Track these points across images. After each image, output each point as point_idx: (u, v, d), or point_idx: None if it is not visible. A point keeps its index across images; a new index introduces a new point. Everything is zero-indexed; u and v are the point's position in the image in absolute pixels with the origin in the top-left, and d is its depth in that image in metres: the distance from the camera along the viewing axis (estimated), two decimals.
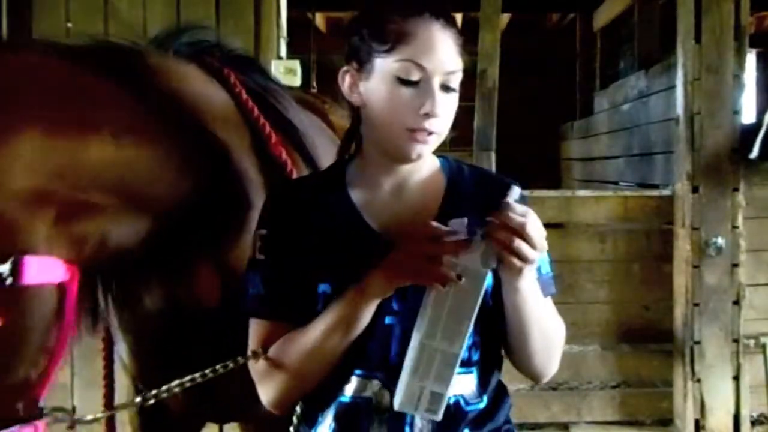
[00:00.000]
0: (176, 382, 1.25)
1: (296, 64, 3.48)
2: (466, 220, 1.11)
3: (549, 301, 1.25)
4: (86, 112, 1.24)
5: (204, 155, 1.42)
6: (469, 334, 1.11)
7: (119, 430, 1.90)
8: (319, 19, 8.02)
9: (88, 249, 1.23)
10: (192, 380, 1.25)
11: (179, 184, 1.36)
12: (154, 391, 1.26)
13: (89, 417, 1.23)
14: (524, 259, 1.07)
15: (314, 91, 4.58)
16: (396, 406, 1.13)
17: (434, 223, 1.10)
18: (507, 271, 1.11)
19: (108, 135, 1.25)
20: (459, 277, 1.08)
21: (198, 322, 1.50)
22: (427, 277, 1.08)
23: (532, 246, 1.07)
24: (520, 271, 1.09)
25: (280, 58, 3.58)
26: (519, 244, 1.06)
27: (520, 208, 1.08)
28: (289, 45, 4.02)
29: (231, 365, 1.24)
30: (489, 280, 1.19)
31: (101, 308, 1.36)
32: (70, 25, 3.16)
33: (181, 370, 1.59)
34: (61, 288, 1.17)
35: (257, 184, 1.50)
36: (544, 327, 1.21)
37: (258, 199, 1.46)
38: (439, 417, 1.13)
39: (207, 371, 1.25)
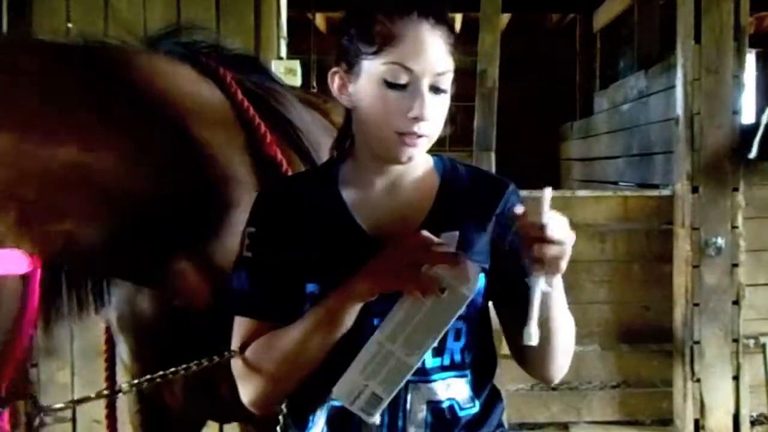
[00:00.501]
0: (147, 376, 1.24)
1: (296, 64, 3.48)
2: (457, 233, 1.09)
3: None
4: (55, 114, 1.23)
5: (184, 155, 1.41)
6: (428, 351, 1.09)
7: (120, 430, 1.90)
8: (319, 19, 8.02)
9: (53, 245, 1.23)
10: (169, 374, 1.23)
11: (154, 183, 1.36)
12: (124, 384, 1.24)
13: (57, 405, 1.21)
14: (559, 259, 1.04)
15: (314, 90, 4.58)
16: (334, 393, 1.12)
17: (424, 232, 1.09)
18: (543, 270, 1.06)
19: (76, 137, 1.24)
20: (442, 291, 1.05)
21: (194, 323, 1.50)
22: (410, 284, 1.06)
23: (560, 246, 1.03)
24: (555, 267, 1.05)
25: (280, 58, 3.58)
26: (546, 249, 1.03)
27: (535, 217, 1.04)
28: (289, 45, 4.02)
29: (209, 361, 1.22)
30: (481, 281, 1.18)
31: (67, 300, 1.35)
32: (70, 25, 3.16)
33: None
34: (25, 279, 1.17)
35: (247, 185, 1.49)
36: (565, 327, 1.18)
37: (247, 199, 1.45)
38: (372, 419, 1.12)
39: (191, 365, 1.24)
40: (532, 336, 1.06)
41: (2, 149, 1.14)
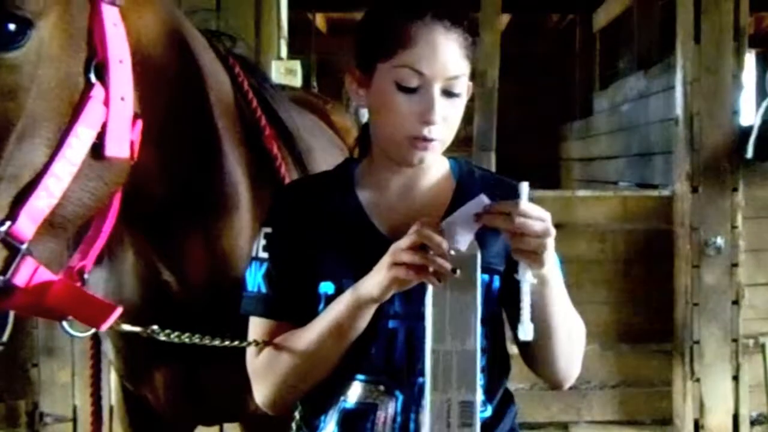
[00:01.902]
0: (186, 334, 1.19)
1: (296, 65, 3.49)
2: (482, 197, 1.05)
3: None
4: None
5: (201, 132, 1.39)
6: (479, 327, 1.06)
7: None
8: (320, 20, 8.02)
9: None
10: (190, 337, 1.20)
11: (178, 146, 1.34)
12: (156, 327, 1.19)
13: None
14: (537, 253, 1.04)
15: (315, 91, 4.58)
16: (427, 430, 1.07)
17: (424, 219, 1.07)
18: (526, 262, 1.07)
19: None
20: (453, 271, 1.03)
21: (173, 319, 1.49)
22: (418, 272, 1.04)
23: (536, 239, 1.04)
24: (536, 261, 1.05)
25: (280, 58, 3.58)
26: (523, 242, 1.03)
27: (507, 206, 1.05)
28: (289, 45, 4.02)
29: (233, 343, 1.20)
30: (496, 282, 1.18)
31: None
32: None
33: (163, 367, 1.57)
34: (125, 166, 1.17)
35: (241, 174, 1.47)
36: (569, 326, 1.18)
37: (240, 189, 1.46)
38: (477, 430, 1.07)
39: (217, 339, 1.20)
40: (527, 331, 1.05)
41: None
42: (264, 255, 1.21)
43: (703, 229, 3.63)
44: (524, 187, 1.05)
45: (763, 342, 3.73)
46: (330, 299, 1.16)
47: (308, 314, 1.17)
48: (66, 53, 1.05)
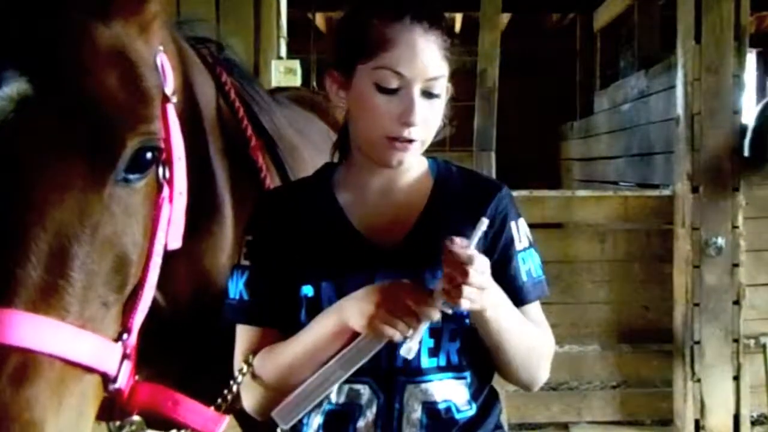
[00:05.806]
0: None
1: (296, 64, 3.49)
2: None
3: (536, 305, 1.24)
4: None
5: (192, 149, 1.36)
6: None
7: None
8: (319, 19, 8.02)
9: None
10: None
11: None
12: None
13: None
14: (472, 301, 1.05)
15: (315, 89, 4.58)
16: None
17: (414, 284, 1.08)
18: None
19: None
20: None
21: (169, 325, 1.47)
22: (394, 332, 1.05)
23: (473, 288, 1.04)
24: (477, 309, 1.08)
25: (280, 58, 3.58)
26: (463, 290, 1.03)
27: (463, 254, 1.04)
28: (289, 45, 4.03)
29: (235, 385, 1.22)
30: None
31: None
32: None
33: (156, 371, 1.58)
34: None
35: (227, 193, 1.46)
36: (523, 342, 1.18)
37: (225, 209, 1.45)
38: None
39: (224, 397, 1.24)
40: (409, 349, 1.08)
41: None
42: (245, 263, 1.22)
43: (704, 229, 3.62)
44: (483, 224, 1.08)
45: (764, 342, 3.73)
46: (309, 301, 1.16)
47: (291, 318, 1.17)
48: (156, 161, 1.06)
